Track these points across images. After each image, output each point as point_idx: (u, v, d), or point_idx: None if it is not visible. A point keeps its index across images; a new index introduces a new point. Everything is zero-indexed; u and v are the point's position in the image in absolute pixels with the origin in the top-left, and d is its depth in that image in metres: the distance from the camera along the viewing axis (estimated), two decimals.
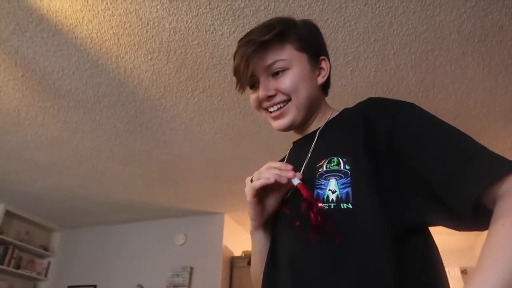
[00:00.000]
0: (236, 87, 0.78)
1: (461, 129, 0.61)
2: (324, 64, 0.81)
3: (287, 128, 0.78)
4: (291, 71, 0.75)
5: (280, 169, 0.69)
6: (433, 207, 0.59)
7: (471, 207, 0.53)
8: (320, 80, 0.80)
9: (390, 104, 0.70)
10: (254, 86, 0.79)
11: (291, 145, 0.88)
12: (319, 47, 0.82)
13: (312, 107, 0.79)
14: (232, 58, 0.79)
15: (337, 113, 0.81)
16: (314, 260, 0.62)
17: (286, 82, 0.75)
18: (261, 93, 0.76)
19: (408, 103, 0.69)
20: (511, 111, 2.59)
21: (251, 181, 0.71)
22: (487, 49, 2.11)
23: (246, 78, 0.74)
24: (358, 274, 0.57)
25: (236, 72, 0.76)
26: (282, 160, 0.88)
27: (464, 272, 4.88)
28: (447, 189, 0.56)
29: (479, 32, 2.01)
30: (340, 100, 2.45)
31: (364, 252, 0.58)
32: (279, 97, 0.76)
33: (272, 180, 0.67)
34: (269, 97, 0.76)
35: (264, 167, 0.71)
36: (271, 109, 0.77)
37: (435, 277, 0.61)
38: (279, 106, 0.76)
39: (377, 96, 0.76)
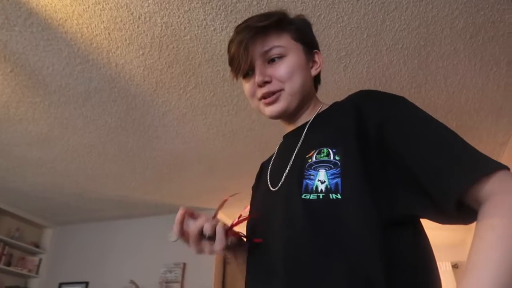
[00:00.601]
0: (233, 72, 0.79)
1: (453, 124, 0.62)
2: (317, 58, 0.83)
3: (280, 114, 0.78)
4: (287, 58, 0.76)
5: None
6: (420, 200, 0.59)
7: (455, 203, 0.54)
8: (314, 72, 0.82)
9: (381, 97, 0.70)
10: (248, 74, 0.79)
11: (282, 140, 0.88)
12: (313, 40, 0.84)
13: (305, 97, 0.80)
14: (225, 54, 0.80)
15: (327, 106, 0.81)
16: (304, 251, 0.62)
17: (282, 68, 0.76)
18: (257, 78, 0.75)
19: (400, 97, 0.69)
20: (502, 107, 2.61)
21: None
22: (479, 45, 2.12)
23: (246, 63, 0.75)
24: (348, 264, 0.57)
25: (234, 57, 0.76)
26: (271, 156, 0.88)
27: (455, 266, 4.94)
28: (433, 185, 0.57)
29: (471, 28, 2.02)
30: (333, 96, 2.45)
31: (353, 242, 0.59)
32: (274, 85, 0.76)
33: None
34: (265, 83, 0.76)
35: (191, 239, 0.73)
36: (265, 94, 0.77)
37: (425, 265, 0.61)
38: (273, 93, 0.77)
39: None
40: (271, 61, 0.76)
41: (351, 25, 2.01)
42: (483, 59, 2.22)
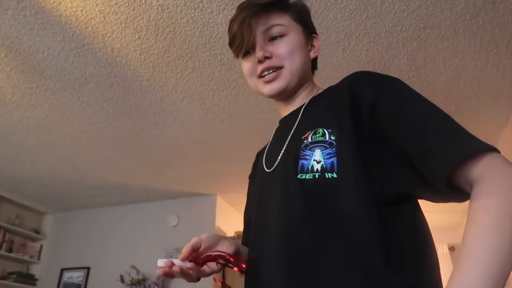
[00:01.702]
0: (234, 51, 0.80)
1: (452, 107, 0.62)
2: (315, 42, 0.85)
3: (279, 92, 0.79)
4: (288, 37, 0.78)
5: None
6: (413, 179, 0.60)
7: (445, 181, 0.54)
8: (312, 55, 0.83)
9: (376, 78, 0.70)
10: (248, 53, 0.80)
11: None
12: (311, 24, 0.86)
13: (303, 78, 0.80)
14: (223, 37, 0.80)
15: (322, 90, 0.82)
16: (301, 230, 0.62)
17: (282, 46, 0.77)
18: (258, 53, 0.76)
19: (394, 78, 0.69)
20: (500, 89, 2.60)
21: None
22: (479, 26, 2.10)
23: (249, 39, 0.75)
24: (345, 241, 0.58)
25: (237, 35, 0.77)
26: (267, 144, 0.88)
27: (451, 248, 5.00)
28: (424, 165, 0.58)
29: (471, 9, 1.99)
30: (331, 78, 2.44)
31: (349, 219, 0.59)
32: (273, 61, 0.77)
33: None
34: (265, 58, 0.77)
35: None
36: (265, 73, 0.78)
37: (422, 243, 0.62)
38: (272, 70, 0.77)
39: None
40: (272, 39, 0.78)
41: (350, 7, 1.98)
42: (482, 40, 2.20)
